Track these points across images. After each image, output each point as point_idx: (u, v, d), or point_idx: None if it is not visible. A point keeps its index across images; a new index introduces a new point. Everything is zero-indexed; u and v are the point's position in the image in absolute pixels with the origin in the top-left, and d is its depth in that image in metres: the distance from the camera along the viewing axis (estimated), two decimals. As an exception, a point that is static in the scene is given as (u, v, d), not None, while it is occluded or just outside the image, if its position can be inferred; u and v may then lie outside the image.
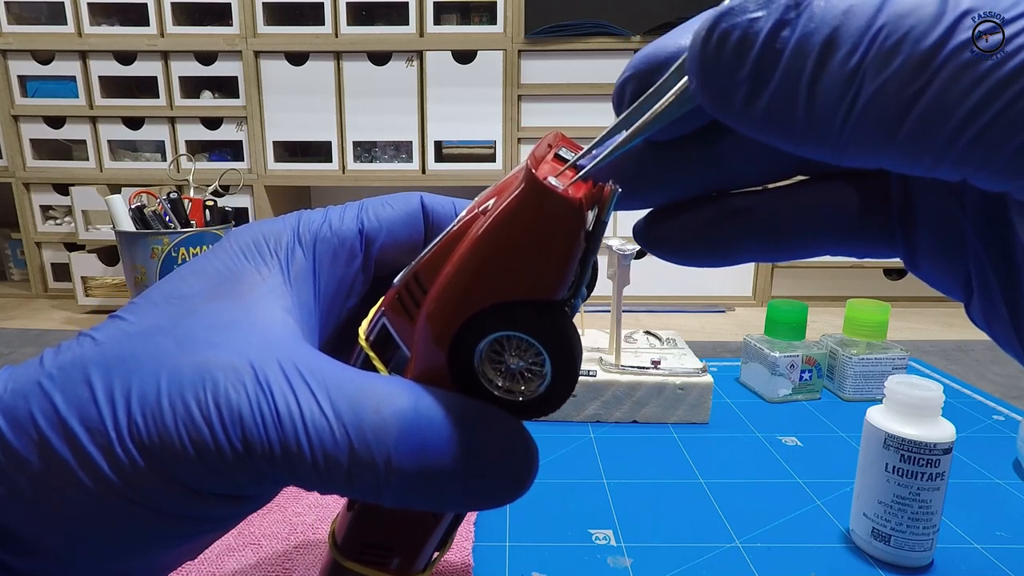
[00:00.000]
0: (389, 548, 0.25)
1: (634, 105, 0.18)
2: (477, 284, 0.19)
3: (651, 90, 0.17)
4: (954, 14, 0.12)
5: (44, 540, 0.18)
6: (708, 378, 0.57)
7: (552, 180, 0.18)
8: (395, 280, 0.22)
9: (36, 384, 0.18)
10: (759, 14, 0.14)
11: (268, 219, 0.24)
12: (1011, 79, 0.12)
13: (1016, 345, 0.17)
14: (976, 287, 0.18)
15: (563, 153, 0.20)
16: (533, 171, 0.18)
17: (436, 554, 0.26)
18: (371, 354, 0.22)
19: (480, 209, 0.19)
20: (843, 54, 0.13)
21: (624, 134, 0.18)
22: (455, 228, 0.20)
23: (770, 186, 0.20)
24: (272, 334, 0.20)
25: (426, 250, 0.21)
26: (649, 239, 0.21)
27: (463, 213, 0.20)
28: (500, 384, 0.20)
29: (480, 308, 0.19)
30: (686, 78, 0.16)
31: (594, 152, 0.19)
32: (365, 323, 0.23)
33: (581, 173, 0.19)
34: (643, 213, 0.21)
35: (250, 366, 0.18)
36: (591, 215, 0.19)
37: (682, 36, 0.17)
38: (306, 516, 0.41)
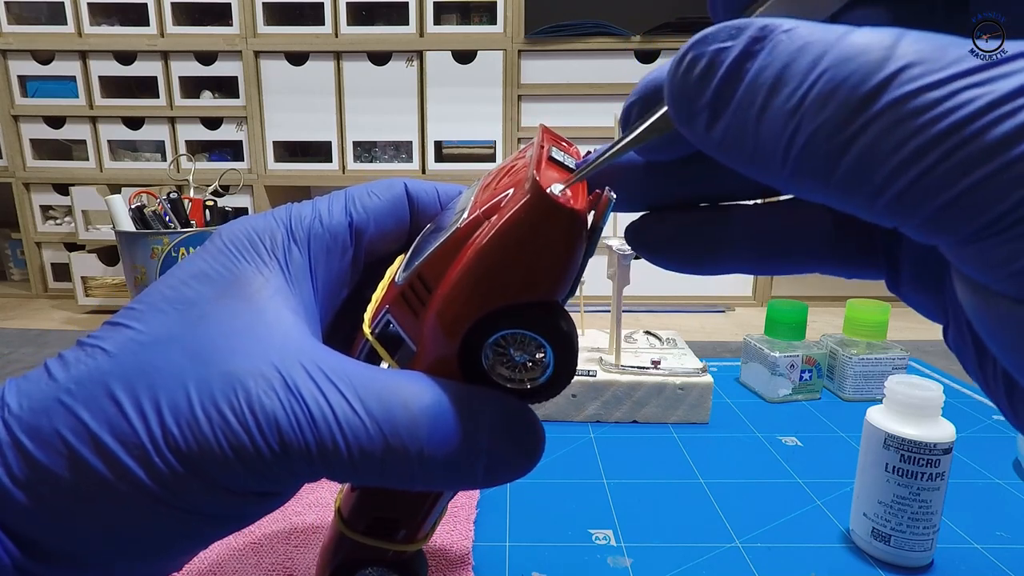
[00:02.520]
0: (396, 521, 0.27)
1: (636, 126, 0.18)
2: (487, 289, 0.20)
3: (655, 115, 0.18)
4: (895, 65, 0.12)
5: (80, 550, 0.19)
6: (708, 378, 0.57)
7: (555, 190, 0.19)
8: (396, 279, 0.23)
9: (56, 400, 0.19)
10: (727, 44, 0.14)
11: (257, 215, 0.24)
12: (937, 141, 0.12)
13: (979, 380, 0.18)
14: (951, 319, 0.18)
15: (556, 155, 0.22)
16: (538, 181, 0.19)
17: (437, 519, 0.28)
18: (378, 347, 0.23)
19: (482, 211, 0.20)
20: (788, 92, 0.13)
21: (617, 145, 0.19)
22: (460, 228, 0.21)
23: (763, 201, 0.20)
24: (289, 338, 0.20)
25: (429, 251, 0.21)
26: (637, 241, 0.21)
27: (465, 215, 0.21)
28: (507, 375, 0.21)
29: (491, 310, 0.20)
30: None
31: (588, 158, 0.20)
32: (368, 316, 0.24)
33: (574, 178, 0.20)
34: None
35: (277, 371, 0.19)
36: (589, 219, 0.20)
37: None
38: (306, 516, 0.41)
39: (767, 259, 0.20)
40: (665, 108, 0.17)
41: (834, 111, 0.13)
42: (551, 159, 0.21)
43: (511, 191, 0.20)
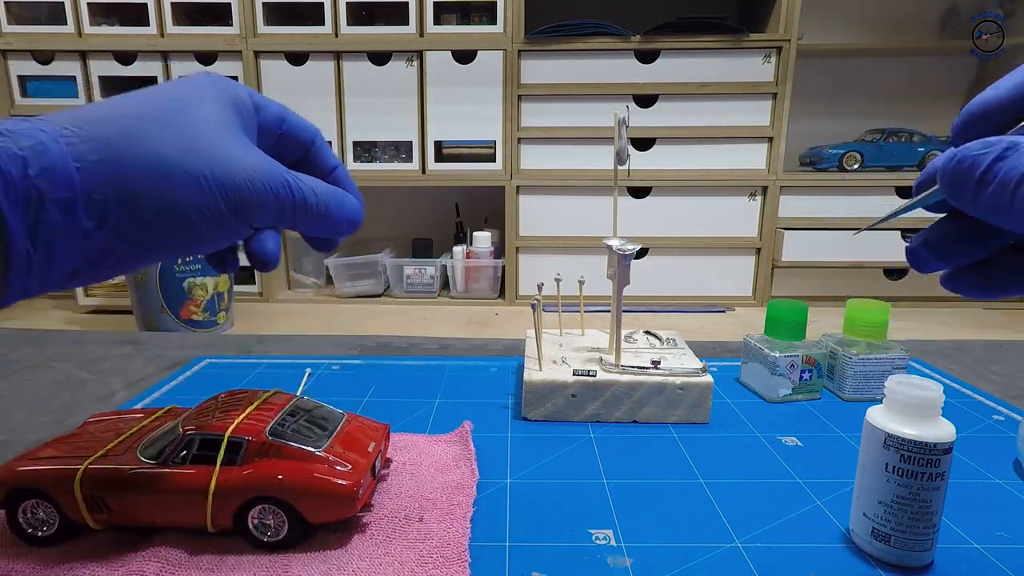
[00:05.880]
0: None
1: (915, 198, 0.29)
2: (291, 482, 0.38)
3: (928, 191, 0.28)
4: None
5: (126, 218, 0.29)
6: (708, 378, 0.57)
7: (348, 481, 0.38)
8: (267, 434, 0.40)
9: (98, 121, 0.29)
10: (984, 151, 0.24)
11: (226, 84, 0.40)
12: None
13: None
14: None
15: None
16: (356, 496, 0.38)
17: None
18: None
19: (333, 454, 0.40)
20: None
21: (905, 209, 0.30)
22: (319, 454, 0.40)
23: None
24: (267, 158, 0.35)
25: (298, 446, 0.39)
26: (955, 287, 0.30)
27: (326, 443, 0.41)
28: None
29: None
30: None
31: (897, 209, 0.31)
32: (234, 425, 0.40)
33: (883, 218, 0.34)
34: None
35: (274, 166, 0.34)
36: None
37: (940, 160, 0.27)
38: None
39: None
40: (935, 187, 0.27)
41: None
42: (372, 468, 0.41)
43: (349, 467, 0.39)
